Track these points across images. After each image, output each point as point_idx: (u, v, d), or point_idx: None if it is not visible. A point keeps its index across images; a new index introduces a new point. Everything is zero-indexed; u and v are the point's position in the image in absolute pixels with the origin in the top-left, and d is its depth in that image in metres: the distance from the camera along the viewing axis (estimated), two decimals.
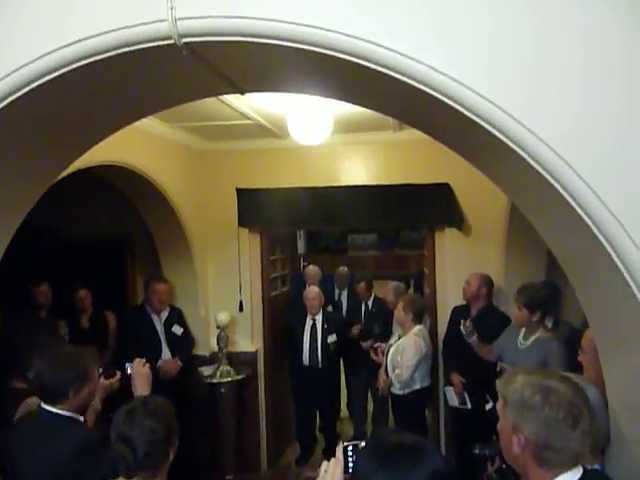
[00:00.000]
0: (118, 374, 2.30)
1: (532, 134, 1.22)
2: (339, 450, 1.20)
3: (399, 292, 4.42)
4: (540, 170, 1.24)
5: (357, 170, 4.19)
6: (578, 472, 1.23)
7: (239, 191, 4.21)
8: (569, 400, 1.20)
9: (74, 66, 1.44)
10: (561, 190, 1.22)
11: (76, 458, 1.80)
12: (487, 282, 3.76)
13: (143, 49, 1.41)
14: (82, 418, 2.03)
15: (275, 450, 4.66)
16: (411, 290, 7.89)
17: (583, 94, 1.23)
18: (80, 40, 1.40)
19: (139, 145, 3.48)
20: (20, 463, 1.89)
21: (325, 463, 1.22)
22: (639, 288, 1.19)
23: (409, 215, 4.13)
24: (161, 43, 1.39)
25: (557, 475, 1.22)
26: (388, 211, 4.09)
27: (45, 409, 1.95)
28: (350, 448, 1.19)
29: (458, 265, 4.02)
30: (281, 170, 4.26)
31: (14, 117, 1.55)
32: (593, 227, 1.20)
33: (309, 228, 9.91)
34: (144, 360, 2.22)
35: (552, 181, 1.22)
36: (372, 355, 4.09)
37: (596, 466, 1.57)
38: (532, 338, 3.01)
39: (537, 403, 1.21)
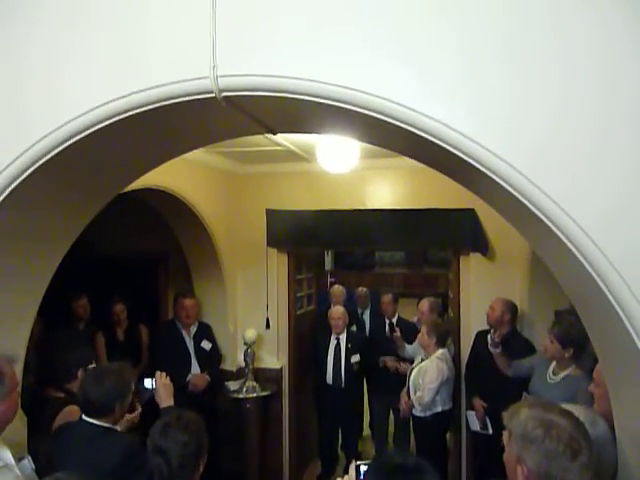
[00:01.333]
0: (139, 409, 2.39)
1: (536, 187, 1.35)
2: (352, 468, 1.32)
3: (434, 307, 4.41)
4: (543, 218, 1.36)
5: (383, 194, 4.32)
6: None
7: (268, 212, 4.40)
8: (569, 434, 1.31)
9: (127, 115, 1.64)
10: (563, 238, 1.34)
11: (123, 464, 1.92)
12: (511, 308, 3.80)
13: (186, 101, 1.60)
14: (119, 427, 2.17)
15: (297, 466, 4.77)
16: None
17: (591, 152, 1.35)
18: (133, 93, 1.61)
19: (175, 169, 3.67)
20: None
21: (339, 479, 1.35)
22: (637, 333, 1.29)
23: (434, 239, 4.23)
24: (203, 97, 1.57)
25: None
26: (413, 235, 4.19)
27: (87, 421, 2.09)
28: (362, 467, 1.31)
29: (482, 289, 4.08)
30: (309, 193, 4.44)
31: (74, 156, 1.76)
32: (593, 272, 1.32)
33: (335, 250, 10.09)
34: (164, 373, 2.38)
35: (553, 228, 1.35)
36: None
37: None
38: (562, 374, 2.97)
39: (539, 436, 1.31)
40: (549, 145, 1.38)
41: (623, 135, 1.34)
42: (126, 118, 1.65)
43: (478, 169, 1.44)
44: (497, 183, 1.43)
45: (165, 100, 1.60)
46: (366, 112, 1.46)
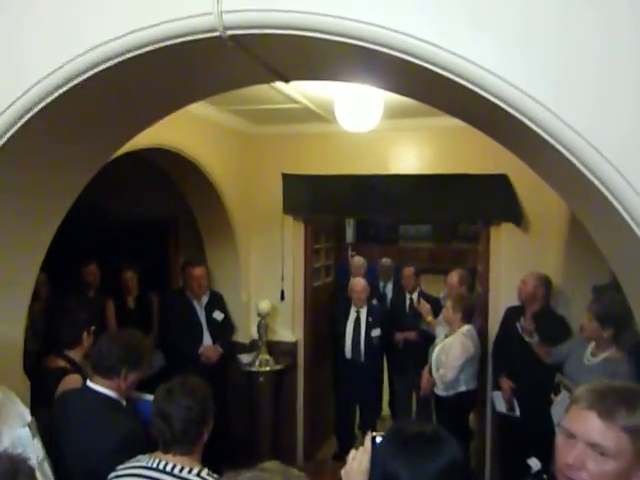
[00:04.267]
0: None
1: (584, 139, 1.25)
2: (367, 440, 1.28)
3: (463, 280, 4.33)
4: (588, 175, 1.27)
5: (408, 158, 4.20)
6: None
7: (285, 177, 4.32)
8: None
9: (125, 57, 1.57)
10: (604, 190, 1.25)
11: (115, 454, 1.86)
12: (545, 282, 3.70)
13: (190, 41, 1.52)
14: (125, 402, 2.15)
15: (312, 443, 4.82)
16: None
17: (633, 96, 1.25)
18: (131, 32, 1.54)
19: (185, 127, 3.65)
20: (62, 441, 2.01)
21: (353, 451, 1.30)
22: None
23: (463, 208, 4.10)
24: (207, 35, 1.50)
25: None
26: (441, 203, 4.08)
27: (90, 388, 2.08)
28: (378, 438, 1.27)
29: (514, 263, 3.97)
30: (329, 156, 4.33)
31: (70, 104, 1.71)
32: (638, 232, 1.22)
33: (356, 217, 10.00)
34: None
35: (599, 186, 1.26)
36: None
37: None
38: (601, 356, 2.87)
39: None
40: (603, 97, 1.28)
41: None
42: (124, 61, 1.59)
43: (513, 116, 1.35)
44: (538, 135, 1.34)
45: (165, 40, 1.53)
46: (385, 50, 1.37)
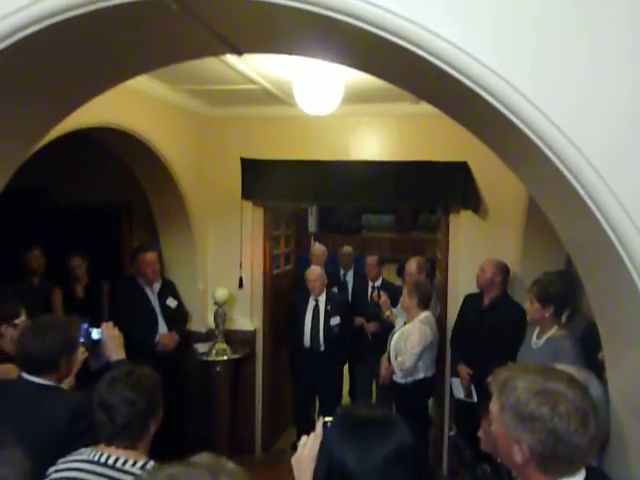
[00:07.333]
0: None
1: (541, 114, 1.21)
2: (319, 425, 1.23)
3: (422, 268, 4.32)
4: (546, 151, 1.23)
5: (370, 144, 4.16)
6: (582, 474, 1.22)
7: (244, 161, 4.22)
8: (577, 407, 1.17)
9: (58, 19, 1.44)
10: (566, 173, 1.22)
11: (71, 424, 1.84)
12: (503, 270, 3.73)
13: (128, 3, 1.40)
14: (65, 386, 2.05)
15: (271, 434, 4.76)
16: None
17: (591, 77, 1.22)
18: None
19: (137, 107, 3.49)
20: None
21: (304, 437, 1.25)
22: None
23: (423, 195, 4.11)
24: None
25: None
26: (401, 190, 4.07)
27: (27, 379, 1.97)
28: (329, 424, 1.22)
29: (473, 250, 4.00)
30: (289, 140, 4.24)
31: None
32: (598, 214, 1.20)
33: (316, 204, 9.95)
34: (111, 323, 2.26)
35: (556, 161, 1.22)
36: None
37: (593, 462, 1.59)
38: (545, 337, 2.94)
39: (545, 415, 1.16)
40: (547, 61, 1.24)
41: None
42: (57, 23, 1.45)
43: (477, 93, 1.29)
44: (495, 108, 1.29)
45: (98, 2, 1.40)
46: (341, 17, 1.29)
